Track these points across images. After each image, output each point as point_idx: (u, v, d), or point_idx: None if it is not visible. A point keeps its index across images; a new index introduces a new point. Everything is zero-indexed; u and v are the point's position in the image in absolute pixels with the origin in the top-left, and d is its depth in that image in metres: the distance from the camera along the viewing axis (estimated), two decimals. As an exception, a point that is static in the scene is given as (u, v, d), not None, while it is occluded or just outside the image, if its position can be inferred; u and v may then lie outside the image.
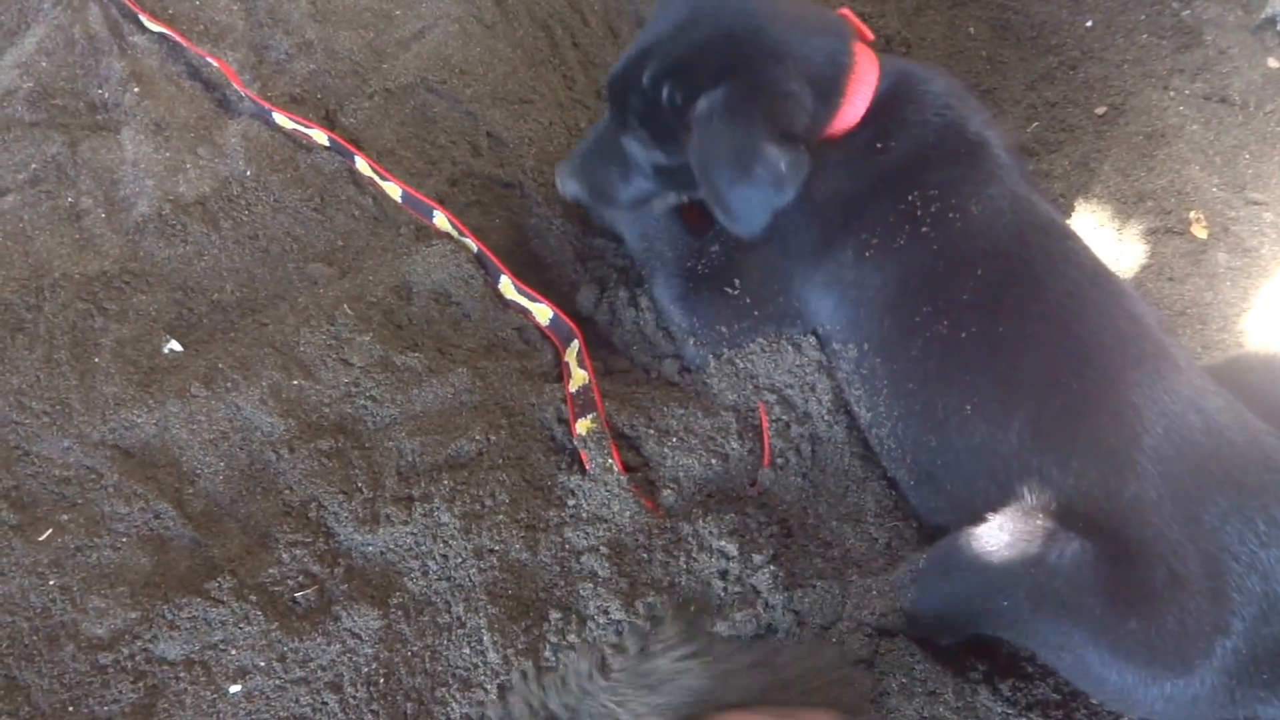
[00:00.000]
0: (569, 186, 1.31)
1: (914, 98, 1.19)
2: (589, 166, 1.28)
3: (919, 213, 1.13)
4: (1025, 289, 1.09)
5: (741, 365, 1.28)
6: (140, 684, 1.01)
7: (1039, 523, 0.97)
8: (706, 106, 1.08)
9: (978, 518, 1.01)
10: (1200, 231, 1.55)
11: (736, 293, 1.25)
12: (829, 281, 1.20)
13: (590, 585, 1.06)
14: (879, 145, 1.16)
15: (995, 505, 1.02)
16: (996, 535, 0.98)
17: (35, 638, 1.04)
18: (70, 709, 1.00)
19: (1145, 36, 1.82)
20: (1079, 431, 1.01)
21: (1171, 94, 1.71)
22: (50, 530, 1.10)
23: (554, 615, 1.05)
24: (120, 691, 1.01)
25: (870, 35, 1.23)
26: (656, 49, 1.13)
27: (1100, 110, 1.74)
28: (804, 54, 1.12)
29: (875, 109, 1.17)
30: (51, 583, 1.07)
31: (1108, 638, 0.94)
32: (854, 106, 1.16)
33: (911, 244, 1.13)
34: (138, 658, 1.03)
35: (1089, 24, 1.86)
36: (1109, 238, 1.55)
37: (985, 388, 1.07)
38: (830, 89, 1.14)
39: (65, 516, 1.12)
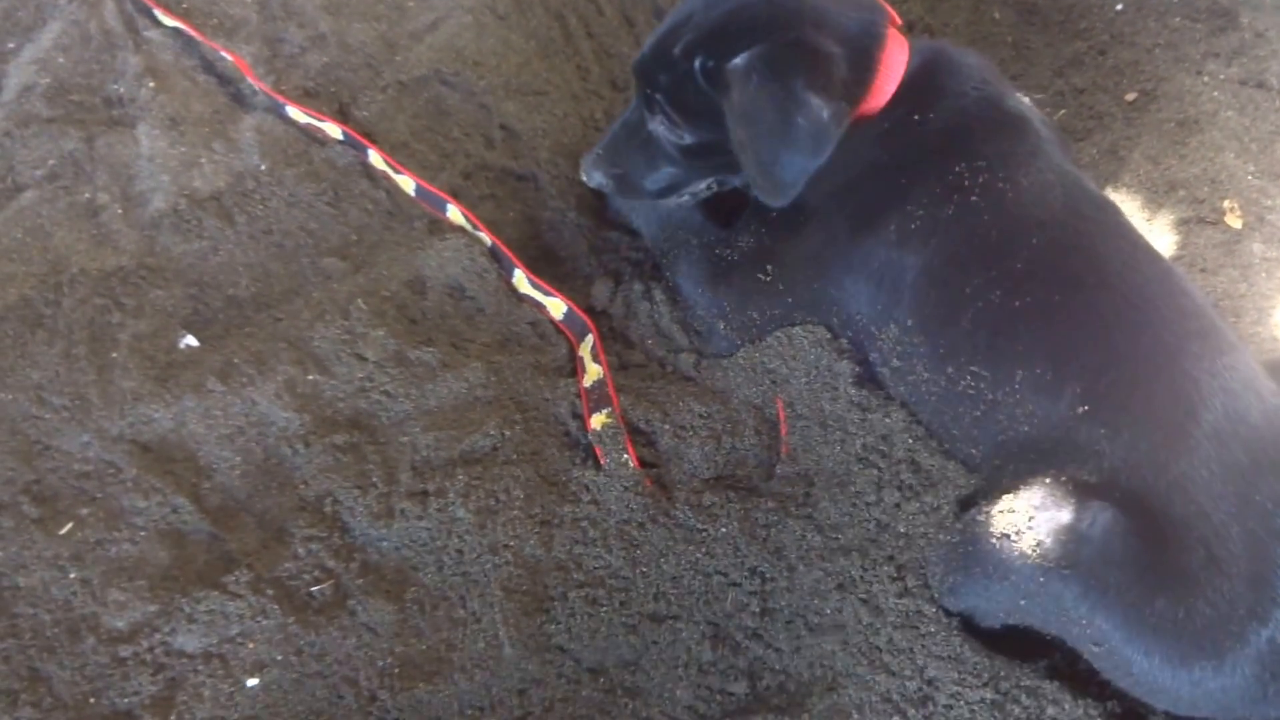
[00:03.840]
0: (594, 176, 1.29)
1: (950, 71, 1.17)
2: (614, 155, 1.26)
3: (967, 183, 1.11)
4: (1081, 259, 1.06)
5: (758, 359, 1.26)
6: (159, 676, 1.02)
7: (1071, 490, 0.95)
8: (744, 63, 1.06)
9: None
10: (1234, 221, 1.51)
11: (769, 280, 1.23)
12: (868, 261, 1.17)
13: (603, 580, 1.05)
14: (917, 118, 1.14)
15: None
16: (1027, 504, 0.96)
17: (57, 630, 1.05)
18: (91, 700, 1.01)
19: (1178, 19, 1.76)
20: (1134, 402, 0.99)
21: (1205, 79, 1.65)
22: (70, 524, 1.12)
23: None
24: (140, 683, 1.02)
25: (898, 20, 1.21)
26: (688, 23, 1.12)
27: (1130, 96, 1.69)
28: (839, 22, 1.11)
29: (910, 83, 1.15)
30: (72, 576, 1.08)
31: (1134, 614, 0.92)
32: (888, 81, 1.14)
33: (961, 214, 1.11)
34: (157, 650, 1.04)
35: (1119, 7, 1.80)
36: (1139, 228, 1.52)
37: (1038, 357, 1.04)
38: (865, 60, 1.12)
39: (85, 510, 1.13)
